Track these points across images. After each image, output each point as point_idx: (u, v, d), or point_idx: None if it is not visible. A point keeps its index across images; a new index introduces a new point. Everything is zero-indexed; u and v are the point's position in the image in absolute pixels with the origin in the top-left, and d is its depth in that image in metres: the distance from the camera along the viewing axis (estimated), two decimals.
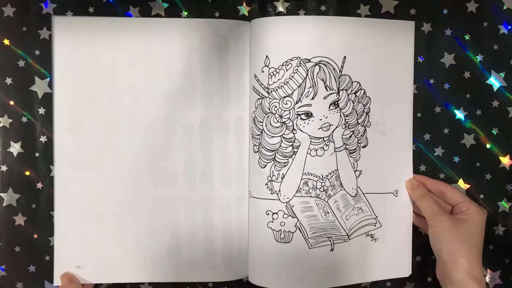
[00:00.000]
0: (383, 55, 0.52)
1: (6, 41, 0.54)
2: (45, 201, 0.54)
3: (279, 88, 0.50)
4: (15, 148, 0.54)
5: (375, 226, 0.53)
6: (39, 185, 0.54)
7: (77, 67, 0.53)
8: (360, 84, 0.52)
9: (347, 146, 0.52)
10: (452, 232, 0.49)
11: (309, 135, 0.51)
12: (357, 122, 0.52)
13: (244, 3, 0.54)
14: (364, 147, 0.53)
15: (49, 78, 0.54)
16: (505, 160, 0.56)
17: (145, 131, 0.53)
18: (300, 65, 0.50)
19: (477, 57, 0.55)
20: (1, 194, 0.54)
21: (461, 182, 0.56)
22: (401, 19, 0.54)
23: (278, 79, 0.50)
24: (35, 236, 0.55)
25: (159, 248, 0.53)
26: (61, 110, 0.53)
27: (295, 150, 0.51)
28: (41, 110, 0.54)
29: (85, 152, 0.53)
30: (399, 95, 0.54)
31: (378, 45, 0.52)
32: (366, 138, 0.53)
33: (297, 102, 0.50)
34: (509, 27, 0.55)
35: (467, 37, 0.55)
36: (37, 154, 0.54)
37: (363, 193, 0.53)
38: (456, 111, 0.56)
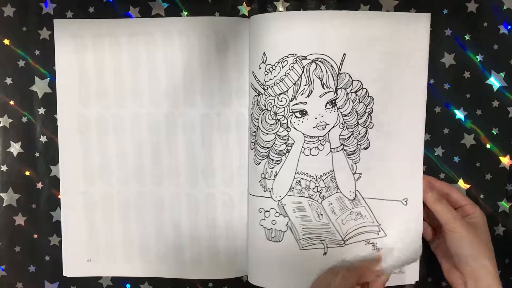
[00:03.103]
0: (391, 52, 0.50)
1: (6, 41, 0.54)
2: (45, 201, 0.55)
3: (274, 85, 0.50)
4: (15, 148, 0.54)
5: (377, 234, 0.52)
6: (39, 185, 0.55)
7: (79, 69, 0.53)
8: (361, 83, 0.50)
9: (345, 147, 0.51)
10: (473, 236, 0.48)
11: (304, 134, 0.50)
12: (357, 122, 0.51)
13: (244, 3, 0.54)
14: (365, 149, 0.51)
15: (49, 78, 0.54)
16: (505, 160, 0.56)
17: (147, 129, 0.53)
18: (296, 62, 0.49)
19: (477, 57, 0.55)
20: (1, 194, 0.54)
21: (461, 182, 0.56)
22: None
23: (274, 76, 0.50)
24: (35, 236, 0.55)
25: (163, 244, 0.54)
26: (64, 111, 0.53)
27: (289, 148, 0.51)
28: (41, 110, 0.54)
29: (89, 151, 0.53)
30: (410, 95, 0.51)
31: (385, 41, 0.50)
32: (368, 139, 0.51)
33: (292, 100, 0.50)
34: (509, 27, 0.55)
35: (467, 37, 0.55)
36: (37, 154, 0.54)
37: (363, 198, 0.52)
38: (456, 111, 0.56)
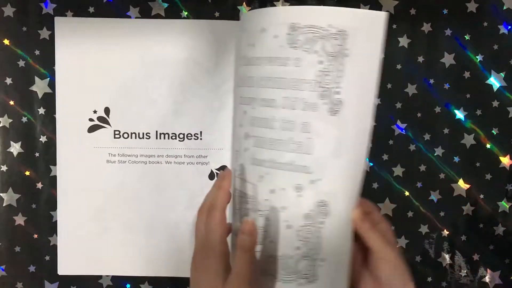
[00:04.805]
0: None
1: (6, 41, 0.54)
2: (45, 201, 0.54)
3: None
4: (15, 148, 0.54)
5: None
6: (39, 185, 0.54)
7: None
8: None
9: None
10: (400, 260, 0.40)
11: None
12: None
13: (244, 3, 0.54)
14: None
15: (49, 78, 0.54)
16: (505, 160, 0.56)
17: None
18: None
19: (477, 57, 0.55)
20: (1, 194, 0.54)
21: (461, 182, 0.56)
22: (401, 19, 0.54)
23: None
24: (35, 236, 0.55)
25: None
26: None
27: None
28: (41, 110, 0.54)
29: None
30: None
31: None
32: None
33: None
34: (509, 27, 0.55)
35: (467, 37, 0.55)
36: (37, 154, 0.54)
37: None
38: (456, 111, 0.56)
